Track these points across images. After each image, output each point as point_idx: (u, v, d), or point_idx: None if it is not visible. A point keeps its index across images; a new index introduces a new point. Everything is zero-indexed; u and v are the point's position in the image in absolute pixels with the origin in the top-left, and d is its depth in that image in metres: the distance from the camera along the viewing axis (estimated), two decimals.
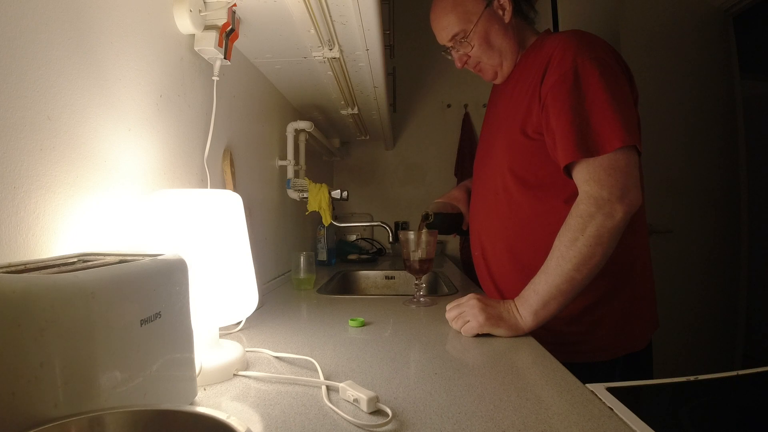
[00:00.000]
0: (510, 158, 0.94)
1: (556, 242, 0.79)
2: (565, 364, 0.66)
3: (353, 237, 2.41)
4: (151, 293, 0.44)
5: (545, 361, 0.68)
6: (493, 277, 1.02)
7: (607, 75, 0.80)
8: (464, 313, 0.83)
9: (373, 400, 0.51)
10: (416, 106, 2.63)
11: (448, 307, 0.88)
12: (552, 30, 1.19)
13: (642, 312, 0.90)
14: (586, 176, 0.79)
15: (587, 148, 0.78)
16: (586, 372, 0.63)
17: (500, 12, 0.93)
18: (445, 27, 0.95)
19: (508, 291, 0.98)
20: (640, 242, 0.91)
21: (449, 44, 0.98)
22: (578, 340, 0.88)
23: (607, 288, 0.86)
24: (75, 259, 0.46)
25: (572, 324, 0.88)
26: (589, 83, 0.79)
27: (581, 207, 0.78)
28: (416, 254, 1.11)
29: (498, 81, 1.02)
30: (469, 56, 0.97)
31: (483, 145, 1.09)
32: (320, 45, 1.08)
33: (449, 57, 1.01)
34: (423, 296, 1.14)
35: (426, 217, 1.11)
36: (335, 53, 1.12)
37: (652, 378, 0.89)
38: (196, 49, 0.85)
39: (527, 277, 0.86)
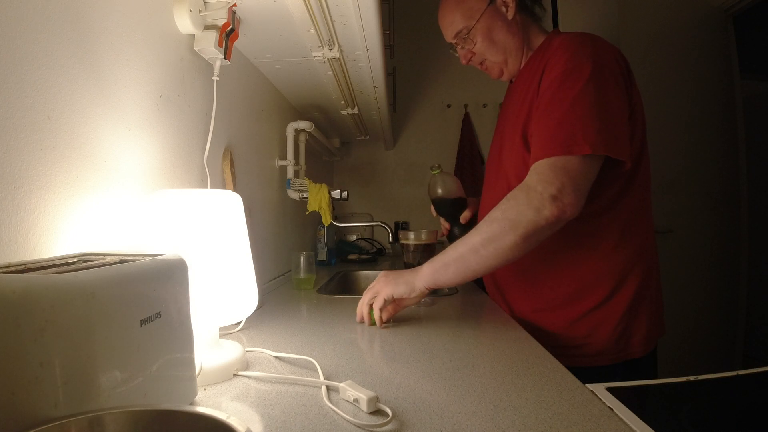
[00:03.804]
0: (513, 163, 0.93)
1: (489, 215, 0.79)
2: (569, 368, 0.65)
3: (353, 237, 2.41)
4: (151, 293, 0.44)
5: (545, 362, 0.68)
6: (495, 280, 1.02)
7: (596, 75, 0.78)
8: (372, 290, 0.86)
9: (373, 400, 0.51)
10: (416, 106, 2.63)
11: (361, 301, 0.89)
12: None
13: (644, 317, 0.88)
14: (535, 168, 0.78)
15: (551, 149, 0.76)
16: (586, 376, 0.62)
17: (503, 9, 0.93)
18: (449, 24, 0.97)
19: (511, 293, 0.98)
20: (644, 246, 0.89)
21: (453, 41, 0.98)
22: (579, 344, 0.87)
23: (608, 292, 0.86)
24: (75, 259, 0.46)
25: (573, 328, 0.87)
26: (577, 81, 0.78)
27: (514, 191, 0.78)
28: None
29: (505, 78, 1.02)
30: (474, 53, 0.98)
31: (493, 147, 1.09)
32: (320, 45, 1.08)
33: (455, 54, 1.02)
34: None
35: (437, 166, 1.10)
36: (335, 53, 1.12)
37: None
38: (196, 49, 0.85)
39: (529, 280, 0.87)
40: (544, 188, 0.75)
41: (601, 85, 0.78)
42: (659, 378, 0.91)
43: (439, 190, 1.07)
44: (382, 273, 0.88)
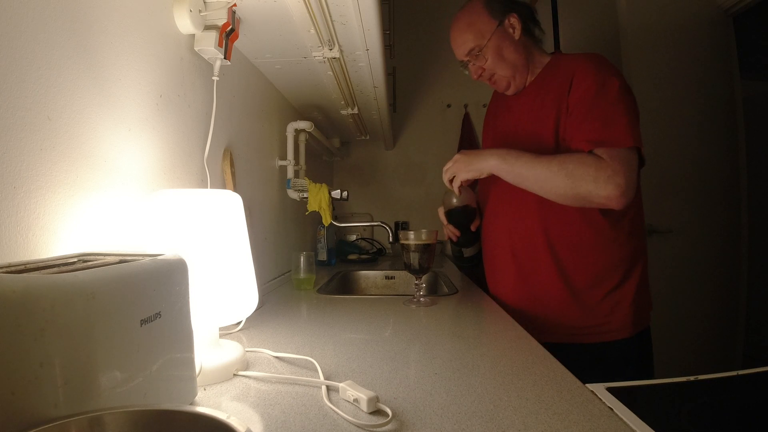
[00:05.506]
0: None
1: (566, 157, 0.92)
2: (591, 344, 0.88)
3: (353, 237, 2.41)
4: (151, 293, 0.44)
5: (545, 361, 0.68)
6: (519, 263, 1.05)
7: (624, 88, 0.94)
8: (450, 171, 1.06)
9: (373, 400, 0.51)
10: (416, 106, 2.63)
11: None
12: (553, 42, 1.24)
13: (647, 295, 1.04)
14: (602, 153, 0.90)
15: (606, 143, 0.90)
16: (612, 349, 0.91)
17: (510, 30, 1.05)
18: (462, 44, 1.07)
19: (542, 287, 1.02)
20: (643, 238, 1.04)
21: (466, 58, 1.09)
22: (603, 321, 0.99)
23: (622, 275, 1.00)
24: (75, 259, 0.46)
25: (597, 307, 0.99)
26: (610, 91, 0.93)
27: (598, 164, 0.89)
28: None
29: (511, 91, 1.11)
30: (484, 69, 1.08)
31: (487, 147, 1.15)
32: (320, 45, 1.08)
33: (466, 72, 1.12)
34: (423, 296, 1.14)
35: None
36: (335, 53, 1.12)
37: (653, 359, 1.04)
38: (196, 49, 0.85)
39: (559, 266, 0.99)
40: (612, 173, 0.87)
41: (627, 97, 0.94)
42: (657, 375, 0.96)
43: (454, 200, 1.12)
44: (458, 155, 1.05)
